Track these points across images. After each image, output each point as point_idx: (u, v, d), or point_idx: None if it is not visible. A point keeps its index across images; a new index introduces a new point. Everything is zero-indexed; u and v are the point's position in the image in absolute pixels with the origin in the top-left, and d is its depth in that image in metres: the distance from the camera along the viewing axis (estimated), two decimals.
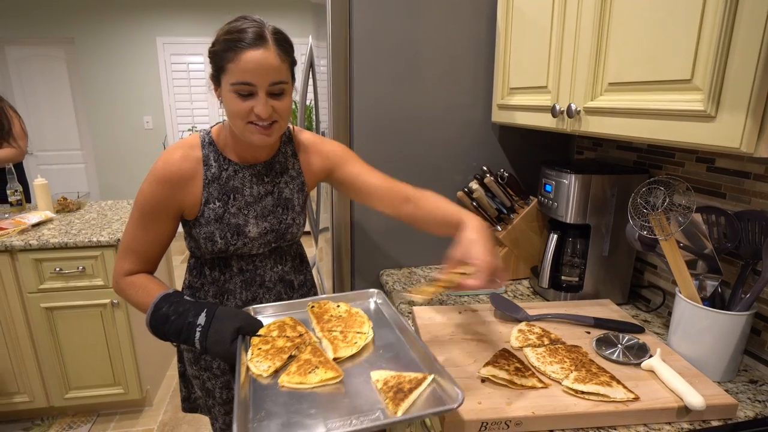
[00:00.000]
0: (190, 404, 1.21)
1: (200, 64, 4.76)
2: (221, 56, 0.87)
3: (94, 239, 1.91)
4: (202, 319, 0.88)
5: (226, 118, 0.98)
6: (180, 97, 4.87)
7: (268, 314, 1.02)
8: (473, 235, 0.86)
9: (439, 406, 0.70)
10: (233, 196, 1.00)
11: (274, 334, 0.90)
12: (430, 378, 0.76)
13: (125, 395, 2.14)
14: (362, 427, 0.67)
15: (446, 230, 0.97)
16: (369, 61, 1.35)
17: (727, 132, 0.66)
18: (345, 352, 0.85)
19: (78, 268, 1.93)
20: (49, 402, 2.10)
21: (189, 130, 4.89)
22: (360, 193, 1.09)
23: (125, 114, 4.82)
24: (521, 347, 0.95)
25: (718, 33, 0.66)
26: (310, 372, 0.79)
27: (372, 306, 1.06)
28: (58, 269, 1.92)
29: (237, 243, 1.01)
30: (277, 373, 0.81)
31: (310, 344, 0.88)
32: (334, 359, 0.84)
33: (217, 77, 0.91)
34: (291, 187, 1.07)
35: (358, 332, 0.92)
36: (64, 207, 2.39)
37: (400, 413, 0.68)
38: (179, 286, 2.77)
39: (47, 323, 1.97)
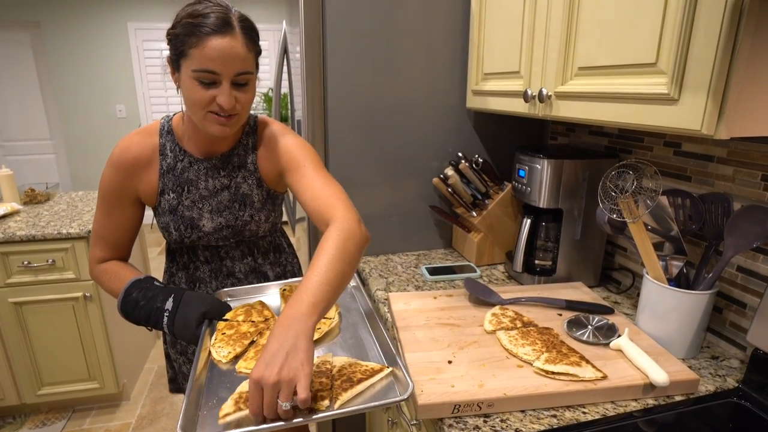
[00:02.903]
0: (176, 385, 1.21)
1: None
2: (183, 40, 0.82)
3: (64, 231, 1.85)
4: (169, 304, 0.89)
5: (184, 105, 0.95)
6: (154, 85, 4.74)
7: (240, 297, 1.02)
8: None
9: (391, 397, 0.69)
10: (187, 189, 0.99)
11: (240, 318, 0.90)
12: (387, 370, 0.75)
13: (101, 390, 2.10)
14: (307, 419, 0.64)
15: None
16: (343, 47, 1.33)
17: (689, 115, 0.67)
18: None
19: (47, 261, 1.87)
20: (21, 399, 2.05)
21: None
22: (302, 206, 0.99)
23: (97, 102, 4.66)
24: (494, 330, 0.97)
25: (681, 17, 0.67)
26: None
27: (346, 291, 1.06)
28: (26, 263, 1.86)
29: (191, 236, 1.00)
30: (237, 358, 0.80)
31: (270, 329, 0.87)
32: None
33: (176, 61, 0.85)
34: (249, 182, 1.01)
35: (324, 317, 0.91)
36: (31, 198, 2.31)
37: (337, 404, 0.66)
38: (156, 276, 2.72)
39: (16, 318, 1.91)
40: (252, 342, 0.84)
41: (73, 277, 1.92)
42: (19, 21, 4.33)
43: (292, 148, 0.98)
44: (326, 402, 0.67)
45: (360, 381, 0.71)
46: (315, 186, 0.90)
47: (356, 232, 0.80)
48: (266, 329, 0.87)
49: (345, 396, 0.68)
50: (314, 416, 0.64)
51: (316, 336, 0.85)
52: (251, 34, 0.86)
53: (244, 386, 0.71)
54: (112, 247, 1.00)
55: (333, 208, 0.85)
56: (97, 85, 4.63)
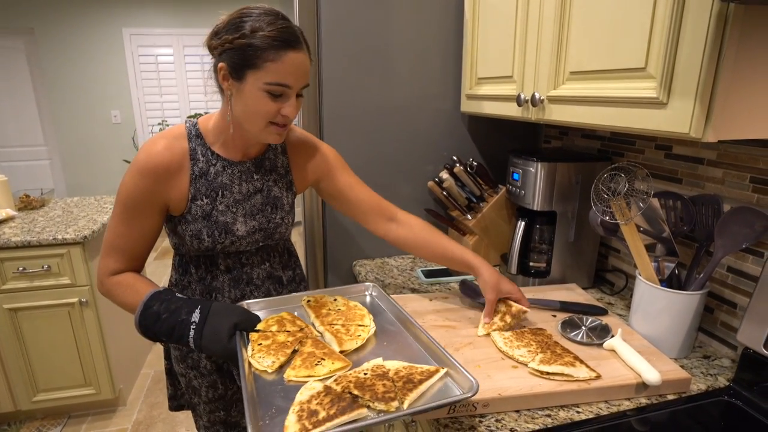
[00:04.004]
0: (177, 402, 1.18)
1: (170, 56, 4.63)
2: (256, 52, 0.81)
3: (59, 237, 1.85)
4: (196, 316, 0.85)
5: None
6: (149, 91, 4.73)
7: (259, 309, 0.99)
8: (494, 277, 1.01)
9: (450, 395, 0.70)
10: (221, 193, 0.96)
11: (274, 329, 0.88)
12: (442, 371, 0.75)
13: (97, 395, 2.10)
14: (376, 420, 0.65)
15: (448, 265, 1.10)
16: (338, 51, 1.34)
17: (677, 118, 0.69)
18: (350, 344, 0.84)
19: (43, 267, 1.86)
20: (16, 406, 2.04)
21: (159, 124, 4.77)
22: (347, 205, 1.09)
23: (92, 108, 4.65)
24: (489, 332, 0.98)
25: (668, 23, 0.69)
26: (316, 364, 0.77)
27: (368, 299, 1.06)
28: (21, 269, 1.85)
29: (225, 241, 0.97)
30: (281, 368, 0.79)
31: (311, 338, 0.86)
32: (340, 352, 0.83)
33: (240, 71, 0.84)
34: (280, 185, 1.03)
35: (360, 325, 0.91)
36: (26, 204, 2.30)
37: (406, 404, 0.67)
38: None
39: (11, 325, 1.91)
40: (295, 351, 0.83)
41: (68, 283, 1.91)
42: (13, 27, 4.32)
43: (332, 153, 1.11)
44: (395, 403, 0.67)
45: (421, 381, 0.72)
46: (362, 187, 1.11)
47: None
48: (305, 338, 0.85)
49: (411, 396, 0.68)
50: (388, 416, 0.66)
51: (359, 343, 0.85)
52: (309, 47, 0.89)
53: (301, 395, 0.70)
54: (129, 257, 0.95)
55: (390, 205, 1.12)
56: (91, 90, 4.61)
